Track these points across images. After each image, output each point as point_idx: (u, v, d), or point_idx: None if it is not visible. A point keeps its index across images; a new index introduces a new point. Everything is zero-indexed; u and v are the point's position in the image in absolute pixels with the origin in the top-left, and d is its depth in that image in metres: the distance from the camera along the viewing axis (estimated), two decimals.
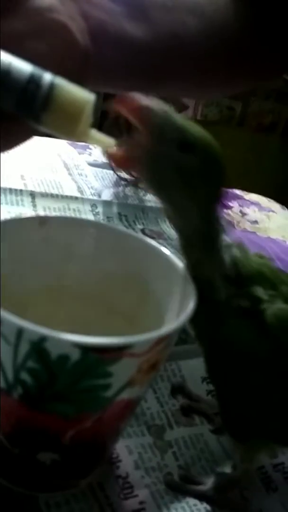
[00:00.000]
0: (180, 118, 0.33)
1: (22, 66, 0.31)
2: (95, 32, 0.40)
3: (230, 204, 0.80)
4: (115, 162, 0.34)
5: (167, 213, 0.35)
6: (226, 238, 0.36)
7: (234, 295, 0.35)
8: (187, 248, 0.36)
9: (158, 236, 0.65)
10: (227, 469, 0.40)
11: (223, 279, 0.35)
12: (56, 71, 0.32)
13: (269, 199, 0.85)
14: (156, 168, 0.33)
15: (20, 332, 0.29)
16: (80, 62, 0.38)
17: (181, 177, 0.33)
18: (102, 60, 0.41)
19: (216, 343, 0.36)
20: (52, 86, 0.31)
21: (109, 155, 0.34)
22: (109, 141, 0.33)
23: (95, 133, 0.33)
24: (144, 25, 0.45)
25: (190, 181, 0.33)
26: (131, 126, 0.70)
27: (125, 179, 0.74)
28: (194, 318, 0.33)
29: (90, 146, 0.81)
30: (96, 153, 0.79)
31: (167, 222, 0.68)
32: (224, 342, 0.35)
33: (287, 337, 0.35)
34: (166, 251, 0.38)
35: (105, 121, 0.73)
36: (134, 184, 0.74)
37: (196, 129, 0.33)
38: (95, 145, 0.33)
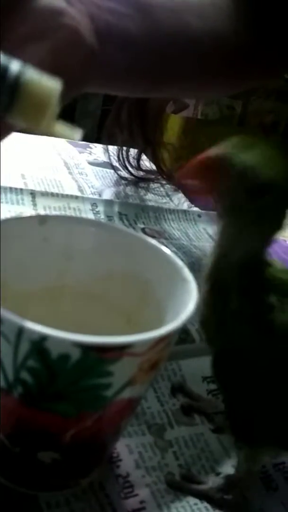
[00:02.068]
0: (251, 160, 0.33)
1: None
2: (100, 33, 0.40)
3: None
4: (190, 191, 0.34)
5: (223, 230, 0.36)
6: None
7: (246, 302, 0.35)
8: (218, 266, 0.36)
9: (159, 235, 0.65)
10: (229, 470, 0.40)
11: (238, 287, 0.36)
12: (61, 68, 0.32)
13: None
14: (229, 206, 0.34)
15: (20, 331, 0.29)
16: (85, 62, 0.38)
17: (253, 217, 0.34)
18: (106, 61, 0.41)
19: (225, 349, 0.36)
20: (19, 76, 0.31)
21: (185, 186, 0.34)
22: (75, 134, 0.33)
23: (60, 125, 0.33)
24: (148, 26, 0.45)
25: (261, 221, 0.34)
26: (132, 127, 0.70)
27: (125, 178, 0.74)
28: (206, 323, 0.33)
29: (91, 145, 0.81)
30: (97, 152, 0.79)
31: (168, 220, 0.68)
32: (234, 348, 0.35)
33: None
34: (167, 250, 0.38)
35: (105, 120, 0.73)
36: (135, 183, 0.74)
37: (268, 170, 0.33)
38: (62, 137, 0.33)
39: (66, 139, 0.80)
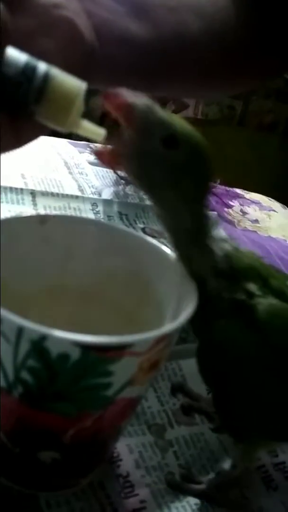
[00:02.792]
0: (164, 113, 0.33)
1: (16, 56, 0.31)
2: (99, 30, 0.40)
3: (231, 203, 0.80)
4: (101, 159, 0.34)
5: (155, 210, 0.35)
6: (219, 233, 0.36)
7: (225, 290, 0.35)
8: (177, 244, 0.36)
9: (159, 235, 0.65)
10: (227, 467, 0.40)
11: (215, 274, 0.35)
12: (63, 66, 0.32)
13: (269, 198, 0.85)
14: (142, 165, 0.33)
15: (20, 331, 0.29)
16: (85, 57, 0.38)
17: (167, 173, 0.33)
18: (105, 58, 0.41)
19: (207, 339, 0.36)
20: (46, 76, 0.31)
21: (96, 153, 0.34)
22: (100, 131, 0.33)
23: (86, 123, 0.33)
24: (147, 24, 0.45)
25: (176, 177, 0.33)
26: None
27: (125, 178, 0.74)
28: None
29: (91, 145, 0.81)
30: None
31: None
32: (215, 337, 0.35)
33: (278, 333, 0.35)
34: (167, 250, 0.38)
35: (105, 121, 0.73)
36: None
37: (181, 124, 0.33)
38: (87, 135, 0.33)
39: (68, 140, 0.80)
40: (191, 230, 0.35)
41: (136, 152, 0.33)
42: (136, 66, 0.45)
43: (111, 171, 0.74)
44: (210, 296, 0.35)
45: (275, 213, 0.80)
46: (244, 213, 0.78)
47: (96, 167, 0.75)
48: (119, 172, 0.74)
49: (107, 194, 0.70)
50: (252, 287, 0.35)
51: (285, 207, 0.83)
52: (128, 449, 0.40)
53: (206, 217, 0.35)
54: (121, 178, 0.74)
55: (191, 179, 0.34)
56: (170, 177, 0.33)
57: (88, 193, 0.68)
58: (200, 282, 0.35)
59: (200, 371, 0.37)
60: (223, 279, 0.35)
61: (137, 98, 0.33)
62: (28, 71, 0.31)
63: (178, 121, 0.33)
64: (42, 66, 0.32)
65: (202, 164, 0.34)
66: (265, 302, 0.35)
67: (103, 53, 0.41)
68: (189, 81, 0.52)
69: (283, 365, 0.35)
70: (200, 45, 0.49)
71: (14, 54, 0.31)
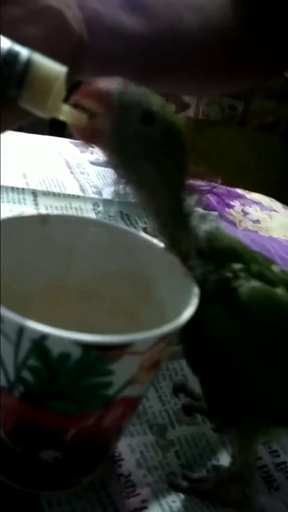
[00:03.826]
0: (140, 92, 0.34)
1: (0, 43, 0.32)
2: (91, 22, 0.40)
3: (232, 203, 0.79)
4: (79, 134, 0.34)
5: (135, 194, 0.36)
6: (199, 212, 0.36)
7: (208, 272, 0.35)
8: (160, 228, 0.36)
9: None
10: (227, 464, 0.40)
11: (198, 255, 0.35)
12: (48, 54, 0.33)
13: (271, 198, 0.85)
14: (119, 141, 0.34)
15: (21, 330, 0.29)
16: (73, 48, 0.38)
17: (146, 150, 0.34)
18: (97, 51, 0.41)
19: (192, 324, 0.35)
20: (28, 61, 0.32)
21: (74, 127, 0.34)
22: (82, 116, 0.33)
23: (68, 108, 0.33)
24: (142, 18, 0.45)
25: (153, 154, 0.34)
26: None
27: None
28: None
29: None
30: (98, 152, 0.79)
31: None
32: (200, 322, 0.35)
33: (261, 316, 0.35)
34: None
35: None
36: None
37: (157, 102, 0.34)
38: (69, 121, 0.33)
39: (70, 140, 0.80)
40: (171, 211, 0.35)
41: (114, 128, 0.33)
42: (129, 60, 0.45)
43: (111, 170, 0.74)
44: (194, 279, 0.35)
45: (276, 213, 0.80)
46: (245, 213, 0.78)
47: (97, 167, 0.75)
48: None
49: (108, 194, 0.70)
50: (234, 269, 0.35)
51: (286, 207, 0.83)
52: (130, 449, 0.40)
53: (187, 197, 0.35)
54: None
55: (168, 155, 0.34)
56: (149, 155, 0.34)
57: (90, 193, 0.68)
58: (187, 265, 0.36)
59: (186, 358, 0.37)
60: (206, 261, 0.35)
61: (112, 82, 0.33)
62: (10, 56, 0.31)
63: (155, 99, 0.34)
64: (24, 52, 0.32)
65: (177, 141, 0.34)
66: (248, 284, 0.35)
67: (95, 46, 0.41)
68: (185, 77, 0.52)
69: (266, 348, 0.35)
70: (196, 41, 0.49)
71: None
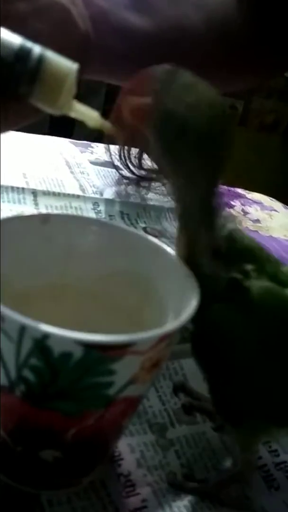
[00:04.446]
0: (185, 96, 0.33)
1: (11, 39, 0.32)
2: (96, 20, 0.40)
3: (232, 203, 0.80)
4: (127, 109, 0.33)
5: (170, 181, 0.35)
6: (225, 212, 0.36)
7: (221, 270, 0.35)
8: (184, 222, 0.36)
9: (160, 234, 0.65)
10: (229, 465, 0.40)
11: (212, 254, 0.35)
12: (53, 50, 0.32)
13: (271, 198, 0.85)
14: (165, 126, 0.33)
15: (22, 329, 0.29)
16: (79, 45, 0.38)
17: (193, 143, 0.33)
18: (103, 48, 0.41)
19: (201, 322, 0.36)
20: (40, 58, 0.32)
21: (123, 101, 0.34)
22: (94, 114, 0.33)
23: (79, 105, 0.33)
24: (147, 16, 0.45)
25: (201, 147, 0.33)
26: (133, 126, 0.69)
27: (127, 178, 0.74)
28: None
29: (92, 144, 0.81)
30: (98, 152, 0.79)
31: (169, 219, 0.68)
32: (210, 320, 0.35)
33: (271, 315, 0.35)
34: (168, 249, 0.38)
35: (106, 119, 0.73)
36: (136, 182, 0.74)
37: (204, 109, 0.33)
38: (80, 118, 0.33)
39: (69, 140, 0.80)
40: (202, 208, 0.35)
41: (161, 114, 0.33)
42: (134, 58, 0.45)
43: (114, 170, 0.74)
44: (205, 277, 0.35)
45: (277, 213, 0.80)
46: (245, 213, 0.78)
47: (97, 166, 0.75)
48: (121, 172, 0.74)
49: (108, 193, 0.70)
50: (248, 267, 0.35)
51: (287, 207, 0.83)
52: (130, 448, 0.40)
53: (218, 197, 0.36)
54: (123, 177, 0.74)
55: (214, 152, 0.34)
56: (196, 147, 0.33)
57: (90, 192, 0.68)
58: (198, 262, 0.36)
59: (194, 354, 0.37)
60: (220, 260, 0.35)
61: (149, 95, 0.33)
62: (23, 53, 0.31)
63: (202, 105, 0.33)
64: (36, 48, 0.32)
65: (224, 144, 0.34)
66: (259, 284, 0.35)
67: (100, 44, 0.41)
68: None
69: (274, 347, 0.35)
70: (200, 39, 0.49)
71: (8, 36, 0.32)
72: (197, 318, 0.35)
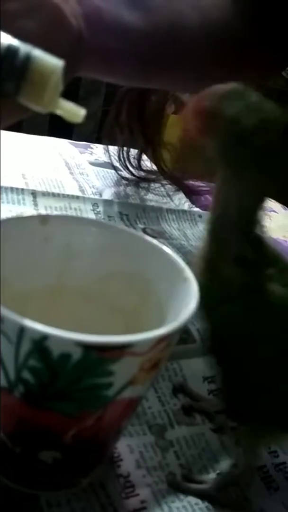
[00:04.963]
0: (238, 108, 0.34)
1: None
2: (91, 18, 0.40)
3: None
4: (192, 116, 0.34)
5: (221, 184, 0.36)
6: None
7: (245, 274, 0.36)
8: (223, 225, 0.36)
9: (160, 235, 0.65)
10: (228, 467, 0.40)
11: (237, 259, 0.36)
12: (44, 49, 0.32)
13: (270, 199, 0.85)
14: (230, 140, 0.34)
15: (21, 330, 0.29)
16: (71, 43, 0.38)
17: (258, 156, 0.34)
18: (97, 47, 0.41)
19: (223, 320, 0.36)
20: (28, 57, 0.32)
21: (188, 106, 0.34)
22: (80, 112, 0.33)
23: (65, 103, 0.33)
24: (143, 14, 0.45)
25: (264, 161, 0.34)
26: (132, 127, 0.70)
27: (126, 178, 0.74)
28: (206, 295, 0.34)
29: (91, 145, 0.81)
30: (98, 153, 0.79)
31: (168, 220, 0.68)
32: (231, 319, 0.35)
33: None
34: (167, 250, 0.38)
35: (105, 120, 0.73)
36: (135, 183, 0.74)
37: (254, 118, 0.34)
38: (66, 116, 0.33)
39: (69, 141, 0.80)
40: (246, 215, 0.36)
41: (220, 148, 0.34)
42: (129, 55, 0.45)
43: (113, 171, 0.74)
44: (229, 278, 0.36)
45: (276, 214, 0.80)
46: None
47: (97, 167, 0.75)
48: (120, 173, 0.74)
49: (107, 194, 0.70)
50: (271, 271, 0.36)
51: (286, 208, 0.83)
52: (129, 449, 0.40)
53: (262, 209, 0.36)
54: (123, 178, 0.74)
55: (273, 168, 0.35)
56: (259, 160, 0.34)
57: (89, 193, 0.68)
58: (220, 267, 0.36)
59: (211, 353, 0.37)
60: (244, 265, 0.36)
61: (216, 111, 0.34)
62: (10, 52, 0.31)
63: (247, 113, 0.34)
64: (24, 47, 0.32)
65: (282, 161, 0.35)
66: (281, 288, 0.35)
67: (95, 41, 0.40)
68: (185, 73, 0.51)
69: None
70: (196, 38, 0.49)
71: None
72: (220, 313, 0.35)
